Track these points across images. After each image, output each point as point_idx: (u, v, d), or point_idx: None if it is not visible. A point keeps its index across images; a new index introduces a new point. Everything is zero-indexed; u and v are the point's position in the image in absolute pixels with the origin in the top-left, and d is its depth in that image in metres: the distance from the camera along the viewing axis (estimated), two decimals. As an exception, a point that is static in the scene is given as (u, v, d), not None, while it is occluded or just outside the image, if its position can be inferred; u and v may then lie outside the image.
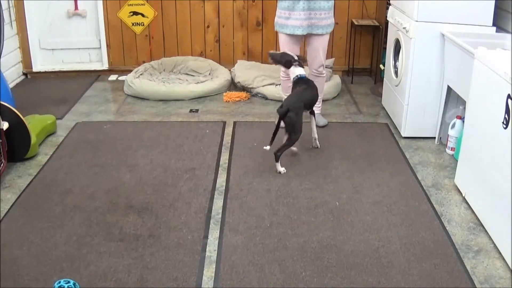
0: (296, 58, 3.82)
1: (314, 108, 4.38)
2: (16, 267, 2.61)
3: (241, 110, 4.72)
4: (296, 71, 3.78)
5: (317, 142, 3.93)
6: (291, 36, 4.05)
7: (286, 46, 4.10)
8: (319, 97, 4.37)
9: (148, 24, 5.56)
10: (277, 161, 3.53)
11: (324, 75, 4.26)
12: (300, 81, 3.76)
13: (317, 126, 4.31)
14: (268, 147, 3.57)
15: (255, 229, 2.94)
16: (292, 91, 3.80)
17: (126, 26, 5.57)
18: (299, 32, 3.99)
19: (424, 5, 3.79)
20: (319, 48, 4.08)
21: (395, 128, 4.30)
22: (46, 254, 2.72)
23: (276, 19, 4.10)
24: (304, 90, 3.72)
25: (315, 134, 3.91)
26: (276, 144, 3.53)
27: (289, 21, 4.00)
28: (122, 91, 5.17)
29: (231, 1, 5.49)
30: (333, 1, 4.01)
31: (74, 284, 2.42)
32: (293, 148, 3.81)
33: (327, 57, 5.30)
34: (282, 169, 3.53)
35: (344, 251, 2.76)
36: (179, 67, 5.42)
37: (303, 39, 4.14)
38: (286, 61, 3.81)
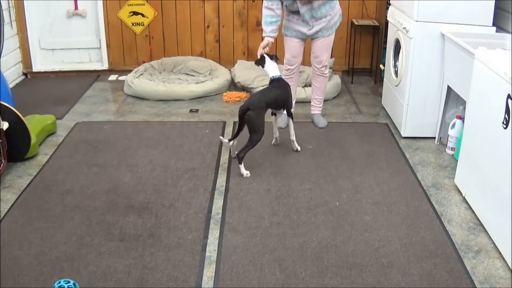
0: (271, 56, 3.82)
1: (314, 108, 4.41)
2: (16, 267, 2.61)
3: (241, 110, 4.71)
4: (270, 72, 3.77)
5: (296, 144, 3.84)
6: (295, 39, 4.05)
7: (288, 45, 4.09)
8: (321, 98, 4.37)
9: (148, 24, 5.56)
10: (240, 163, 3.49)
11: (327, 75, 4.25)
12: (273, 82, 3.76)
13: (317, 127, 4.32)
14: (225, 140, 3.66)
15: (255, 229, 2.94)
16: None
17: (126, 26, 5.57)
18: (303, 36, 4.02)
19: (424, 5, 3.79)
20: (323, 48, 4.07)
21: (395, 128, 4.30)
22: (46, 254, 2.72)
23: (284, 22, 4.07)
24: (269, 89, 3.73)
25: (292, 136, 3.82)
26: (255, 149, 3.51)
27: (298, 27, 3.98)
28: (122, 91, 5.17)
29: (231, 1, 5.49)
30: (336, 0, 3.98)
31: (74, 284, 2.42)
32: (296, 147, 3.84)
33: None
34: (246, 172, 3.48)
35: (344, 251, 2.76)
36: (179, 67, 5.42)
37: (306, 40, 4.14)
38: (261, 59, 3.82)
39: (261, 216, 3.07)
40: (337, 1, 4.02)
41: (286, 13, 4.04)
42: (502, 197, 2.73)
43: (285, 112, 3.80)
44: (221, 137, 3.81)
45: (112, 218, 3.04)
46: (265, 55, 3.82)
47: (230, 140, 3.67)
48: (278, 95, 3.70)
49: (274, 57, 3.84)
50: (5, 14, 5.05)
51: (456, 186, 3.41)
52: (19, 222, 3.00)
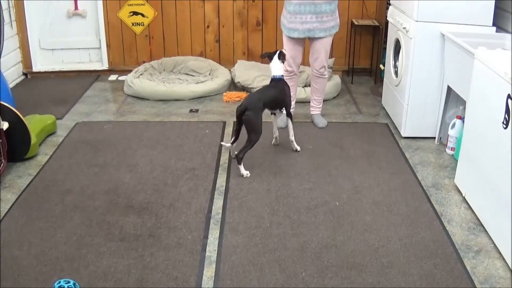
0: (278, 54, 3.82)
1: (314, 109, 4.41)
2: (16, 267, 2.61)
3: (241, 110, 4.71)
4: (273, 71, 3.78)
5: (295, 144, 3.84)
6: (292, 37, 4.05)
7: (287, 46, 4.10)
8: (320, 98, 4.37)
9: (148, 24, 5.56)
10: (239, 163, 3.49)
11: (326, 76, 4.25)
12: (272, 81, 3.78)
13: (317, 127, 4.32)
14: (228, 144, 3.67)
15: (255, 229, 2.94)
16: None
17: (126, 26, 5.57)
18: (295, 35, 4.00)
19: (424, 5, 3.79)
20: (321, 50, 4.08)
21: (395, 128, 4.30)
22: (46, 254, 2.72)
23: (281, 18, 4.11)
24: (267, 89, 3.74)
25: (291, 137, 3.82)
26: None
27: (291, 24, 4.00)
28: (122, 91, 5.17)
29: (231, 1, 5.49)
30: (336, 3, 4.00)
31: (74, 284, 2.42)
32: (296, 147, 3.84)
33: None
34: (246, 172, 3.49)
35: (344, 251, 2.76)
36: (179, 67, 5.42)
37: (305, 41, 4.14)
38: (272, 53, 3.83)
39: (261, 216, 3.07)
40: (337, 10, 4.04)
41: (284, 11, 4.06)
42: (502, 197, 2.73)
43: (284, 112, 3.81)
44: (222, 143, 3.81)
45: (112, 218, 3.04)
46: (277, 51, 3.81)
47: (232, 143, 3.67)
48: (276, 95, 3.71)
49: (282, 57, 3.81)
50: (5, 14, 5.05)
51: (456, 186, 3.41)
52: (19, 222, 3.00)
